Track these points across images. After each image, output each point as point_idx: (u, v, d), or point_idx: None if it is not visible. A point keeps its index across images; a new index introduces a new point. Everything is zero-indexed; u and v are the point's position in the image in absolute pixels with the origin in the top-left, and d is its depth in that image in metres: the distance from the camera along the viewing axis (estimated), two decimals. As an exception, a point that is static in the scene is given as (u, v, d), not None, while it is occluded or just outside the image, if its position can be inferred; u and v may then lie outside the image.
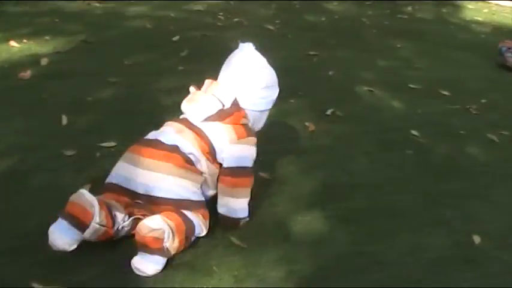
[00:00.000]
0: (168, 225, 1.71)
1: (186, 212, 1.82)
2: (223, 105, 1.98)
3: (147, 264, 1.71)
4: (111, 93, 2.94)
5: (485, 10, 7.79)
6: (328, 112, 3.12)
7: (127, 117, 2.71)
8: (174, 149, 1.88)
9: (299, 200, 2.25)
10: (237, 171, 1.96)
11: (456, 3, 7.86)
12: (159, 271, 1.72)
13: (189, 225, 1.81)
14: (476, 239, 2.16)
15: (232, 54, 2.12)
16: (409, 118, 3.26)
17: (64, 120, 2.60)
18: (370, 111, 3.27)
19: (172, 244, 1.73)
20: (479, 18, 7.04)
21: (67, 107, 2.72)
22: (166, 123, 2.05)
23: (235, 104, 2.00)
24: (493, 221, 2.33)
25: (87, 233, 1.68)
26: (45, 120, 2.58)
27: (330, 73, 3.78)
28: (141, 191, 1.82)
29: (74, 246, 1.68)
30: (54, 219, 1.67)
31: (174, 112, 2.79)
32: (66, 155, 2.34)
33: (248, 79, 2.03)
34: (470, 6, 7.83)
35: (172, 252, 1.75)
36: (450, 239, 2.15)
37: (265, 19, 4.81)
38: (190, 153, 1.89)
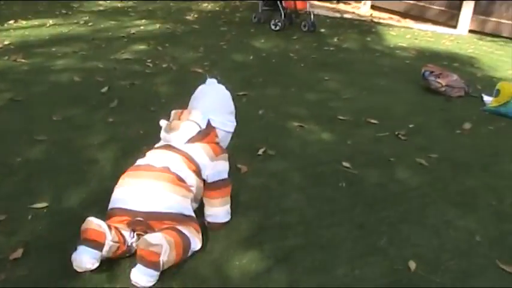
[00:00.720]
0: (167, 241, 1.93)
1: (180, 227, 2.05)
2: (200, 127, 2.28)
3: (141, 277, 1.90)
4: (40, 152, 2.88)
5: (408, 36, 8.16)
6: (260, 152, 3.16)
7: (57, 176, 2.66)
8: (166, 169, 2.14)
9: (235, 244, 2.26)
10: (219, 184, 2.31)
11: (380, 31, 8.20)
12: (152, 284, 1.92)
13: (186, 241, 2.04)
14: (412, 264, 2.24)
15: (201, 87, 2.48)
16: (339, 150, 3.34)
17: (-8, 182, 2.53)
18: (301, 146, 3.33)
19: (168, 258, 1.94)
20: (403, 44, 7.35)
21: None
22: (150, 151, 2.29)
23: (209, 124, 2.32)
24: (427, 244, 2.42)
25: (105, 251, 1.92)
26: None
27: (260, 112, 3.84)
28: (140, 208, 2.04)
29: (97, 265, 1.91)
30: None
31: (104, 167, 2.78)
32: (-5, 221, 2.27)
33: (219, 104, 2.43)
34: (393, 33, 8.18)
35: (167, 266, 1.96)
36: (387, 267, 2.22)
37: (194, 62, 4.86)
38: (180, 171, 2.16)
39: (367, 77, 5.25)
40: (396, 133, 3.71)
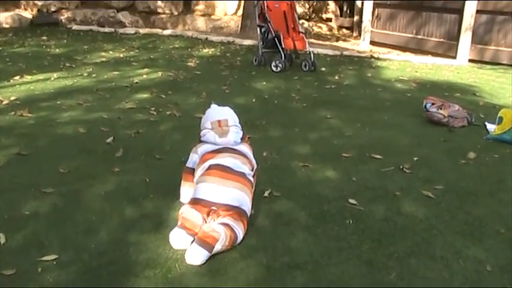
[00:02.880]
0: (225, 234, 2.45)
1: (236, 223, 2.57)
2: (242, 131, 2.96)
3: (196, 255, 2.39)
4: (48, 205, 2.91)
5: (408, 69, 8.25)
6: (266, 194, 3.18)
7: (66, 227, 2.69)
8: (244, 175, 2.75)
9: (245, 286, 2.26)
10: (255, 170, 2.96)
11: (380, 66, 8.30)
12: (201, 262, 2.39)
13: (235, 238, 2.54)
14: (422, 299, 2.23)
15: (212, 107, 3.07)
16: (345, 187, 3.35)
17: (2, 238, 2.55)
18: (307, 185, 3.35)
19: (220, 247, 2.44)
20: (404, 77, 7.43)
21: (4, 224, 2.68)
22: (220, 154, 2.78)
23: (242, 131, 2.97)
24: (437, 277, 2.42)
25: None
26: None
27: (264, 154, 3.86)
28: (224, 202, 2.60)
29: (188, 246, 2.46)
30: None
31: (112, 217, 2.81)
32: (5, 275, 2.28)
33: (235, 116, 3.05)
34: (393, 67, 8.28)
35: (215, 252, 2.43)
36: (397, 304, 2.20)
37: (197, 108, 4.91)
38: (248, 174, 2.79)
39: (369, 112, 5.29)
40: (401, 167, 3.73)
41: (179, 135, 4.22)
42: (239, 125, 3.01)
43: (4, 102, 4.96)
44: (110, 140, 4.01)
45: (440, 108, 5.04)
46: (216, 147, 2.83)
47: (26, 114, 4.60)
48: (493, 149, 4.27)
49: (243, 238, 2.61)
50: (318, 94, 6.08)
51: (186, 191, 2.90)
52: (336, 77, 7.20)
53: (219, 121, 2.91)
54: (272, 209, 3.00)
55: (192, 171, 2.87)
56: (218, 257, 2.48)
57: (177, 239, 2.51)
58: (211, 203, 2.60)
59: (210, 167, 2.72)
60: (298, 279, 2.36)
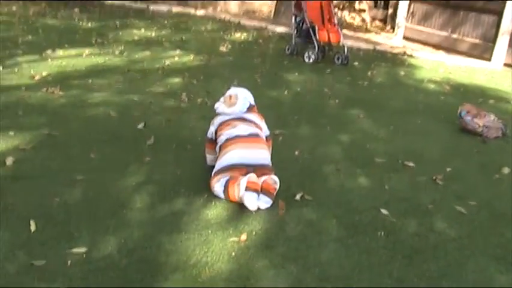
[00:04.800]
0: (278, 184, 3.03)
1: (273, 176, 3.05)
2: (250, 103, 3.36)
3: (262, 202, 2.91)
4: (78, 193, 2.90)
5: (441, 70, 8.10)
6: (297, 197, 3.13)
7: (96, 220, 2.67)
8: (258, 135, 3.23)
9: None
10: (268, 138, 3.43)
11: (413, 64, 8.15)
12: (267, 206, 2.93)
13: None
14: (454, 327, 2.18)
15: (231, 89, 3.49)
16: (377, 196, 3.29)
17: (32, 226, 2.54)
18: (339, 192, 3.30)
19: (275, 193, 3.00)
20: (437, 79, 7.29)
21: (35, 212, 2.67)
22: (233, 124, 3.21)
23: (250, 102, 3.39)
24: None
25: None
26: (14, 227, 2.52)
27: (296, 153, 3.81)
28: (254, 162, 3.07)
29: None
30: None
31: (142, 212, 2.78)
32: (36, 266, 2.28)
33: (249, 93, 3.46)
34: (426, 67, 8.12)
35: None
36: (428, 329, 2.15)
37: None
38: (261, 135, 3.28)
39: (402, 115, 5.20)
40: (434, 178, 3.66)
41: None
42: (250, 100, 3.39)
43: (36, 78, 4.96)
44: (141, 126, 3.99)
45: (476, 117, 4.93)
46: (228, 117, 3.26)
47: (58, 92, 4.59)
48: (528, 165, 4.16)
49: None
50: (350, 91, 5.99)
51: (209, 157, 3.36)
52: (369, 73, 7.09)
53: (230, 96, 3.37)
54: (303, 215, 2.96)
55: (212, 140, 3.30)
56: (249, 263, 2.45)
57: (253, 202, 2.90)
58: (247, 165, 3.03)
59: (228, 140, 3.13)
60: (328, 295, 2.31)
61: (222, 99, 3.41)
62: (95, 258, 2.38)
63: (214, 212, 2.88)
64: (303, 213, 2.99)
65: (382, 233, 2.86)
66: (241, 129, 3.16)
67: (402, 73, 7.48)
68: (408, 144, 4.34)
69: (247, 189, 2.88)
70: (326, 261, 2.55)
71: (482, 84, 7.35)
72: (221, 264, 2.44)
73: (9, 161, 3.18)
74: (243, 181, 2.89)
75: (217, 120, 3.29)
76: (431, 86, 6.86)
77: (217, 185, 2.98)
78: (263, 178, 3.00)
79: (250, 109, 3.34)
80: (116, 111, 4.26)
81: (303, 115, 4.80)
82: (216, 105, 3.38)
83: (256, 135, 3.19)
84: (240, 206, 2.95)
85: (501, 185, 3.72)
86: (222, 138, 3.15)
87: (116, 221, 2.69)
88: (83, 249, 2.42)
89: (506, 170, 3.97)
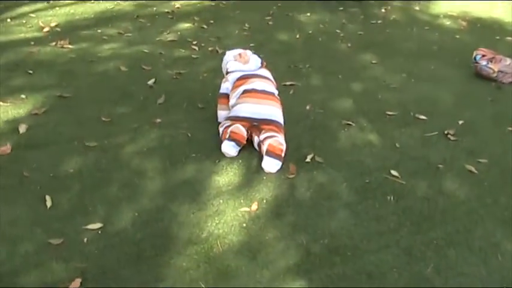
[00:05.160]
0: (285, 144, 3.05)
1: (280, 136, 3.10)
2: (261, 59, 3.48)
3: (272, 164, 2.96)
4: (91, 162, 2.95)
5: (458, 3, 7.81)
6: (308, 158, 3.16)
7: (110, 191, 2.73)
8: (273, 93, 3.29)
9: (283, 272, 2.31)
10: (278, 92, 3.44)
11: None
12: (278, 168, 2.98)
13: (286, 145, 3.09)
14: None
15: (227, 52, 3.58)
16: (388, 156, 3.30)
17: (48, 202, 2.60)
18: (349, 151, 3.31)
19: (283, 155, 3.01)
20: (453, 13, 7.09)
21: (50, 185, 2.73)
22: (249, 80, 3.26)
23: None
24: (474, 273, 2.42)
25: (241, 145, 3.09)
26: (30, 204, 2.59)
27: (307, 107, 3.80)
28: (261, 117, 3.11)
29: (236, 153, 3.06)
30: None
31: (153, 180, 2.83)
32: (53, 245, 2.35)
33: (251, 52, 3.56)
34: (443, 3, 7.84)
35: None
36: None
37: (239, 44, 4.80)
38: (275, 92, 3.33)
39: (415, 59, 5.11)
40: (445, 132, 3.64)
41: (221, 79, 4.15)
42: (259, 57, 3.51)
43: (45, 30, 4.92)
44: (151, 82, 3.98)
45: (491, 61, 4.83)
46: (244, 73, 3.31)
47: (67, 46, 4.57)
48: (543, 114, 4.12)
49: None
50: (363, 32, 5.87)
51: (222, 113, 3.37)
52: (382, 10, 6.91)
53: (239, 54, 3.45)
54: (313, 179, 2.99)
55: (226, 96, 3.32)
56: (259, 235, 2.51)
57: (230, 149, 3.03)
58: (253, 119, 3.10)
59: (245, 91, 3.19)
60: (336, 266, 2.38)
61: (231, 56, 3.47)
62: (109, 233, 2.46)
63: (226, 178, 2.92)
64: (314, 176, 3.02)
65: (392, 198, 2.89)
66: (257, 85, 3.23)
67: (417, 8, 7.27)
68: (421, 93, 4.30)
69: (229, 137, 3.05)
70: (335, 230, 2.61)
71: (501, 18, 7.13)
72: (232, 236, 2.50)
73: (23, 128, 3.22)
74: (229, 130, 3.08)
75: (232, 77, 3.33)
76: (447, 22, 6.68)
77: (220, 129, 3.20)
78: (267, 137, 3.06)
79: (262, 65, 3.46)
80: (126, 65, 4.25)
81: (315, 62, 4.75)
82: (228, 64, 3.43)
83: (269, 93, 3.25)
84: (251, 171, 2.99)
85: (513, 138, 3.70)
86: (239, 90, 3.22)
87: (128, 191, 2.74)
88: (98, 225, 2.49)
89: (519, 122, 3.94)
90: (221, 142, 3.14)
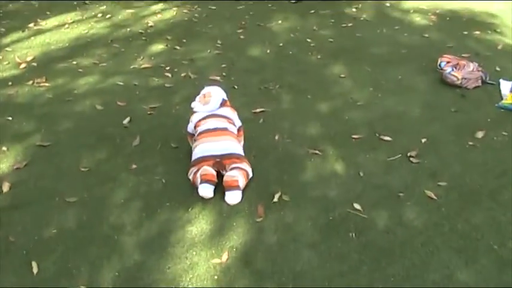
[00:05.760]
0: (240, 173, 3.35)
1: (242, 164, 3.42)
2: (222, 99, 3.75)
3: (232, 197, 3.29)
4: (72, 219, 3.14)
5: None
6: (276, 198, 3.36)
7: (91, 250, 2.93)
8: (226, 128, 3.58)
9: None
10: (240, 128, 3.79)
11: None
12: (240, 199, 3.30)
13: (247, 172, 3.43)
14: None
15: (204, 89, 3.86)
16: (351, 187, 3.50)
17: (34, 268, 2.81)
18: (315, 185, 3.50)
19: (242, 183, 3.33)
20: (423, 6, 7.20)
21: (35, 249, 2.92)
22: (205, 120, 3.61)
23: (223, 97, 3.80)
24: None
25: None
26: (17, 272, 2.78)
27: (276, 137, 4.00)
28: (219, 153, 3.42)
29: (213, 194, 3.32)
30: None
31: (131, 234, 3.03)
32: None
33: (218, 92, 3.82)
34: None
35: (243, 187, 3.35)
36: None
37: (212, 65, 4.98)
38: (230, 128, 3.62)
39: (383, 67, 5.28)
40: (408, 155, 3.84)
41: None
42: (221, 97, 3.78)
43: (21, 66, 5.06)
44: (126, 121, 4.16)
45: (455, 67, 5.02)
46: (204, 114, 3.65)
47: (44, 84, 4.73)
48: (503, 123, 4.32)
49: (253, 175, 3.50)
50: (333, 38, 6.02)
51: (192, 145, 3.70)
52: (354, 10, 7.03)
53: (204, 95, 3.77)
54: (280, 220, 3.20)
55: (192, 134, 3.67)
56: (230, 285, 2.72)
57: (206, 191, 3.29)
58: (214, 156, 3.41)
59: (200, 133, 3.53)
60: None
61: (197, 98, 3.80)
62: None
63: (198, 227, 3.13)
64: (281, 217, 3.23)
65: (354, 234, 3.11)
66: (210, 124, 3.57)
67: (388, 4, 7.39)
68: (387, 109, 4.49)
69: (201, 181, 3.30)
70: (299, 274, 2.83)
71: (470, 9, 7.24)
72: (205, 290, 2.73)
73: (6, 186, 3.40)
74: (198, 174, 3.34)
75: (194, 118, 3.68)
76: (417, 18, 6.81)
77: (190, 176, 3.44)
78: (230, 169, 3.40)
79: (223, 104, 3.75)
80: (102, 103, 4.42)
81: (285, 80, 4.92)
82: (193, 104, 3.77)
83: (222, 129, 3.56)
84: (222, 216, 3.20)
85: (473, 154, 3.90)
86: (196, 133, 3.59)
87: (108, 250, 2.95)
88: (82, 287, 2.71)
89: (480, 134, 4.14)
90: (194, 187, 3.34)
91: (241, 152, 3.55)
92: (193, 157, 3.48)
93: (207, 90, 3.82)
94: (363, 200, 3.38)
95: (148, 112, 4.32)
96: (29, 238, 3.02)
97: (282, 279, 2.79)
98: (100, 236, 3.04)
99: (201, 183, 3.30)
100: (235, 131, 3.70)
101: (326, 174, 3.64)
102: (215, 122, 3.59)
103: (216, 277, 2.80)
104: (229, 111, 3.75)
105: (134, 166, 3.63)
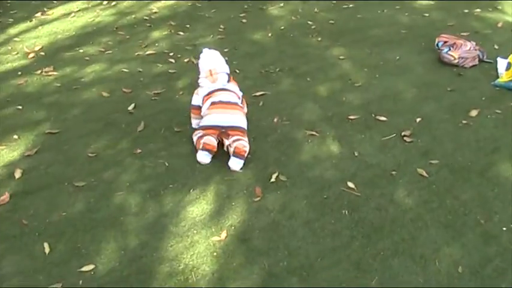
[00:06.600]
0: (248, 146, 3.63)
1: (244, 137, 3.68)
2: (228, 75, 3.89)
3: (237, 164, 3.59)
4: (81, 203, 3.32)
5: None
6: (273, 178, 3.53)
7: (99, 232, 3.11)
8: (237, 103, 3.80)
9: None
10: (243, 98, 3.98)
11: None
12: (241, 167, 3.60)
13: (249, 146, 3.65)
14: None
15: (204, 52, 4.01)
16: (346, 166, 3.65)
17: (47, 248, 3.00)
18: (311, 165, 3.66)
19: (246, 155, 3.61)
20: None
21: (46, 231, 3.10)
22: (218, 92, 3.79)
23: (227, 72, 3.93)
24: (414, 281, 2.79)
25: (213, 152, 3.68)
26: (32, 252, 2.98)
27: (275, 120, 4.15)
28: (228, 124, 3.65)
29: (209, 161, 3.67)
30: None
31: (137, 216, 3.22)
32: (54, 290, 2.78)
33: (223, 62, 3.98)
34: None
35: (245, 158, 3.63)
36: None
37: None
38: (238, 101, 3.83)
39: (382, 48, 5.39)
40: (402, 134, 3.97)
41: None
42: (225, 69, 3.93)
43: (30, 56, 5.24)
44: (131, 108, 4.33)
45: (452, 47, 5.12)
46: (211, 89, 3.80)
47: (52, 73, 4.90)
48: (498, 101, 4.43)
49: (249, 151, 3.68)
50: (334, 19, 6.13)
51: (195, 121, 3.98)
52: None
53: (210, 70, 3.86)
54: (277, 199, 3.37)
55: (197, 107, 3.88)
56: (228, 262, 2.90)
57: (204, 158, 3.65)
58: (221, 127, 3.65)
59: (213, 103, 3.72)
60: (296, 284, 2.77)
61: (203, 73, 3.93)
62: (101, 273, 2.86)
63: (199, 208, 3.30)
64: (277, 197, 3.39)
65: (347, 212, 3.27)
66: (224, 97, 3.76)
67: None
68: (383, 90, 4.61)
69: (202, 148, 3.63)
70: (294, 251, 3.00)
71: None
72: (205, 266, 2.91)
73: (18, 173, 3.59)
74: (202, 141, 3.64)
75: (201, 92, 3.86)
76: (418, -4, 6.87)
77: (194, 138, 3.75)
78: (234, 140, 3.64)
79: (229, 80, 3.91)
80: (108, 90, 4.59)
81: (286, 63, 5.06)
82: (200, 80, 3.91)
83: (234, 103, 3.78)
84: (222, 197, 3.37)
85: (466, 132, 4.03)
86: (208, 103, 3.76)
87: (115, 230, 3.13)
88: (91, 267, 2.88)
89: (474, 113, 4.26)
90: (195, 152, 3.68)
91: (246, 127, 3.78)
92: (203, 122, 3.73)
93: (211, 62, 3.94)
94: (356, 179, 3.53)
95: (153, 98, 4.48)
96: (41, 221, 3.20)
97: (277, 256, 2.96)
98: (107, 218, 3.23)
99: (202, 149, 3.64)
100: (242, 105, 3.93)
101: (322, 154, 3.79)
102: (227, 96, 3.78)
103: (215, 253, 2.98)
104: (235, 87, 3.94)
105: (139, 150, 3.81)
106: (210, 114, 3.71)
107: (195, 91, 3.90)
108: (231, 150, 3.63)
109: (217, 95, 3.78)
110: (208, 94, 3.81)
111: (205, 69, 3.90)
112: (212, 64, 3.91)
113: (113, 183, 3.51)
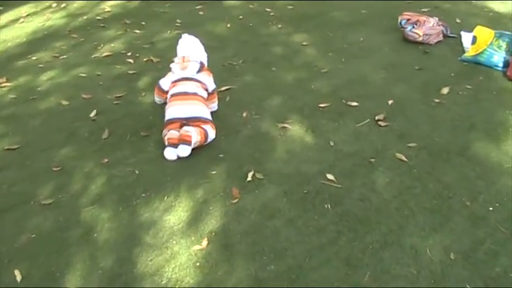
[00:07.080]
0: (195, 130, 3.49)
1: (204, 125, 3.57)
2: (199, 64, 3.83)
3: (183, 151, 3.48)
4: (50, 222, 3.12)
5: None
6: (249, 177, 3.39)
7: (71, 252, 2.92)
8: (195, 93, 3.71)
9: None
10: (214, 91, 3.93)
11: None
12: (187, 154, 3.50)
13: (206, 132, 3.56)
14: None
15: (183, 38, 4.08)
16: (323, 158, 3.54)
17: (18, 276, 2.80)
18: (287, 160, 3.53)
19: (195, 140, 3.48)
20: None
21: (17, 256, 2.91)
22: (178, 83, 3.77)
23: (201, 61, 3.92)
24: (406, 274, 2.69)
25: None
26: (1, 282, 2.78)
27: (244, 114, 4.00)
28: (186, 116, 3.60)
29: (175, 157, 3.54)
30: None
31: (110, 231, 2.98)
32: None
33: (200, 50, 4.05)
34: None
35: (195, 145, 3.52)
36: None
37: (173, 46, 4.87)
38: (200, 92, 3.75)
39: (345, 31, 5.30)
40: (376, 119, 3.88)
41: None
42: (200, 58, 3.95)
43: (-19, 67, 4.97)
44: (93, 114, 4.12)
45: (416, 24, 5.06)
46: (178, 77, 3.79)
47: (5, 84, 4.65)
48: (467, 76, 4.40)
49: (215, 138, 3.67)
50: (292, 5, 6.02)
51: (158, 99, 3.96)
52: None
53: (183, 57, 3.86)
54: (256, 199, 3.23)
55: (163, 91, 3.86)
56: (213, 271, 2.76)
57: (169, 154, 3.54)
58: (181, 119, 3.59)
59: (171, 95, 3.72)
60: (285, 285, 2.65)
61: (176, 58, 3.92)
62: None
63: (176, 216, 3.14)
64: (256, 196, 3.25)
65: (329, 206, 3.15)
66: (181, 88, 3.74)
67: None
68: (351, 74, 4.52)
69: (168, 144, 3.56)
70: (280, 253, 2.87)
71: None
72: (189, 278, 2.76)
73: (-19, 194, 3.37)
74: (167, 136, 3.57)
75: (170, 78, 3.87)
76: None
77: (163, 136, 3.66)
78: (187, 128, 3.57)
79: (200, 70, 3.86)
80: (67, 97, 4.36)
81: (248, 54, 4.91)
82: (172, 64, 3.91)
83: (192, 93, 3.72)
84: (198, 203, 3.22)
85: (440, 111, 3.97)
86: (169, 94, 3.79)
87: (89, 249, 2.95)
88: (66, 291, 2.72)
89: (445, 90, 4.21)
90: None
91: (208, 116, 3.71)
92: (165, 117, 3.70)
93: (186, 49, 3.96)
94: (335, 169, 3.43)
95: (114, 102, 4.28)
96: (9, 246, 3.00)
97: (263, 260, 2.83)
98: (79, 236, 3.04)
99: (167, 146, 3.56)
100: (205, 95, 3.82)
101: (297, 147, 3.67)
102: (186, 86, 3.73)
103: (198, 264, 2.83)
104: (204, 76, 3.86)
105: (106, 160, 3.62)
106: (169, 107, 3.69)
107: (167, 74, 3.93)
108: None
109: (179, 85, 3.77)
110: (174, 81, 3.81)
111: (179, 55, 3.96)
112: (186, 51, 3.96)
113: (82, 198, 3.32)
